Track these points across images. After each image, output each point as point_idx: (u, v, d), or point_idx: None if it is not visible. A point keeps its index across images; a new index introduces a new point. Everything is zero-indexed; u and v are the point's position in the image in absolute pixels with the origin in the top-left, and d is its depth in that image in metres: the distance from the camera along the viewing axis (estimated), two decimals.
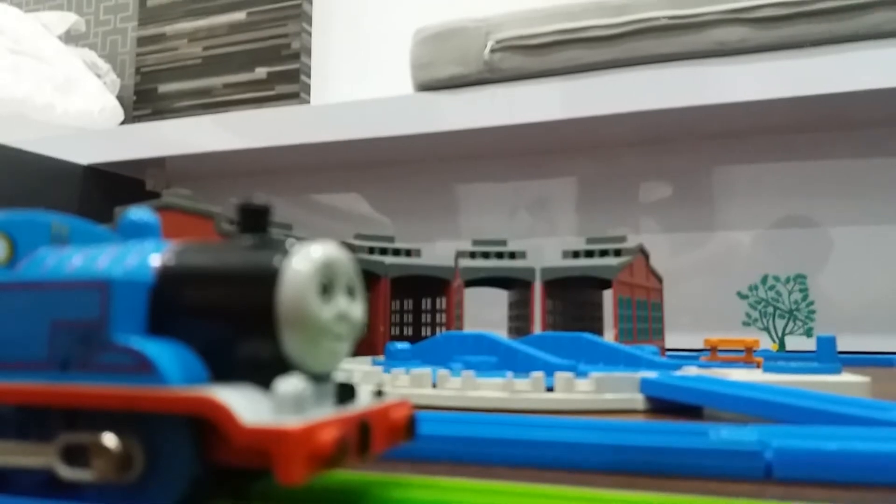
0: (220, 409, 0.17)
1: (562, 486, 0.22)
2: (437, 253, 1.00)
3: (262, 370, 0.18)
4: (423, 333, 0.93)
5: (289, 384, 0.17)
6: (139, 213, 0.23)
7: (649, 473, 0.27)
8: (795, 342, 0.87)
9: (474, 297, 0.84)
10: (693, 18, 0.98)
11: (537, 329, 0.79)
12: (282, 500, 0.20)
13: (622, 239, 0.80)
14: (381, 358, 0.65)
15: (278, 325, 0.18)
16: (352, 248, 0.84)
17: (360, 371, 0.51)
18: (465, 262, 0.84)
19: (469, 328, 0.78)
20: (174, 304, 0.20)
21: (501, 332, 0.68)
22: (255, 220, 0.20)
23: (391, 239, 0.88)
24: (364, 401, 0.21)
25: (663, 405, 0.45)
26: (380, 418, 0.20)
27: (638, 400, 0.45)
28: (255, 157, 1.31)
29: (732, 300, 0.92)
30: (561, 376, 0.45)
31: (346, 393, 0.20)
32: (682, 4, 0.99)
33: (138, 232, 0.22)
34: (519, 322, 0.89)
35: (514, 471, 0.28)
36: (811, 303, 0.87)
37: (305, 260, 0.19)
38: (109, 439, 0.18)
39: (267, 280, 0.19)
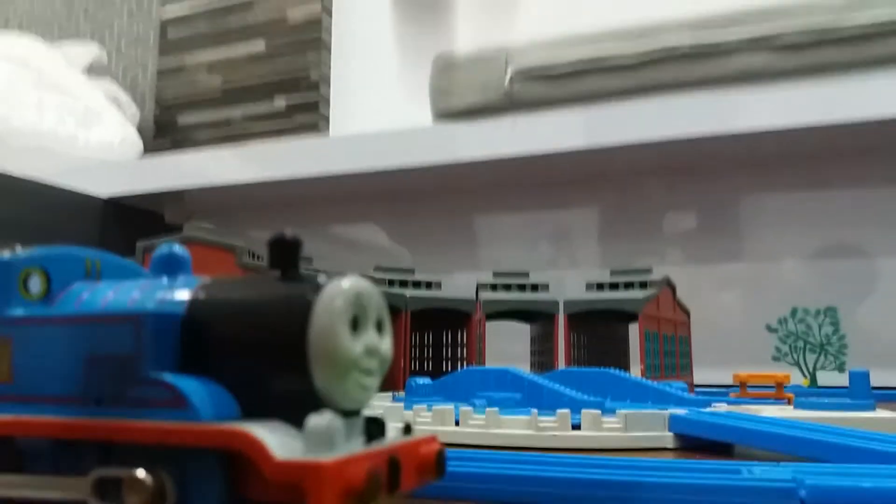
0: (254, 443, 0.17)
1: None
2: (456, 284, 0.99)
3: (293, 405, 0.18)
4: (444, 368, 0.92)
5: (320, 419, 0.17)
6: (171, 247, 0.23)
7: None
8: (827, 377, 0.85)
9: (496, 331, 0.83)
10: (716, 46, 0.97)
11: (561, 364, 0.78)
12: None
13: (647, 271, 0.79)
14: (402, 394, 0.64)
15: (309, 359, 0.18)
16: (371, 281, 0.83)
17: (380, 407, 0.50)
18: (487, 295, 0.83)
19: (490, 362, 0.77)
20: (205, 338, 0.20)
21: (524, 367, 0.67)
22: (285, 254, 0.20)
23: (411, 271, 0.88)
24: (393, 436, 0.21)
25: (693, 443, 0.44)
26: (409, 454, 0.19)
27: (667, 438, 0.44)
28: (274, 188, 1.31)
29: (761, 334, 0.90)
30: (588, 413, 0.44)
31: (375, 428, 0.20)
32: (703, 32, 0.98)
33: (170, 266, 0.22)
34: (542, 356, 0.88)
35: None
36: (843, 336, 0.85)
37: (336, 294, 0.19)
38: (143, 474, 0.18)
39: (298, 314, 0.19)
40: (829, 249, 1.12)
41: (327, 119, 1.61)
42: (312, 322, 0.18)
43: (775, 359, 0.87)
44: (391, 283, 0.85)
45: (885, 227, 1.09)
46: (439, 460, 0.20)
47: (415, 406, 0.49)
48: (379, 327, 0.20)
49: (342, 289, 0.19)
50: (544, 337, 0.87)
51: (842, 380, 0.71)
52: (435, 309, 0.86)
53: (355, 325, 0.19)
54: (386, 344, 0.20)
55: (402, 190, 1.34)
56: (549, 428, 0.44)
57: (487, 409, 0.46)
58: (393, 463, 0.18)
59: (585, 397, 0.53)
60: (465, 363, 0.90)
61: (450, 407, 0.48)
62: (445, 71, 1.14)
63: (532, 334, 0.93)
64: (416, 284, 0.87)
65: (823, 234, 1.12)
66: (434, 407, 0.48)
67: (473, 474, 0.29)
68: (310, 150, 1.26)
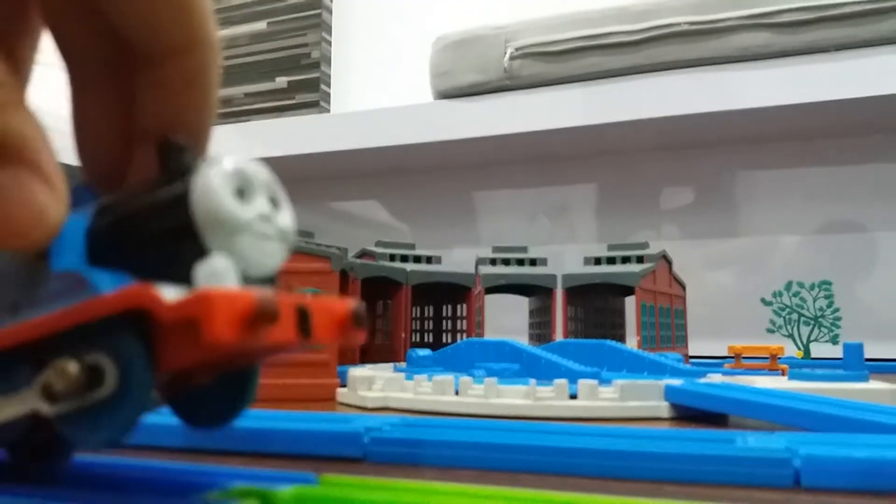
0: (147, 293, 0.17)
1: (586, 493, 0.21)
2: (456, 260, 1.00)
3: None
4: (444, 340, 0.93)
5: (206, 261, 0.17)
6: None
7: (675, 481, 0.27)
8: (821, 349, 0.86)
9: (495, 304, 0.84)
10: (714, 24, 0.97)
11: (559, 336, 0.78)
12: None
13: (644, 245, 0.80)
14: (403, 364, 0.65)
15: (200, 232, 0.18)
16: (373, 256, 0.84)
17: (382, 377, 0.51)
18: (486, 269, 0.84)
19: (489, 335, 0.78)
20: (109, 238, 0.20)
21: (522, 339, 0.68)
22: (167, 157, 0.20)
23: (412, 246, 0.88)
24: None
25: (688, 413, 0.44)
26: (321, 308, 0.19)
27: (662, 408, 0.45)
28: (276, 165, 1.27)
29: (756, 307, 0.91)
30: (584, 383, 0.45)
31: None
32: (703, 10, 0.98)
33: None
34: (540, 329, 0.89)
35: (539, 478, 0.27)
36: (837, 309, 0.86)
37: (213, 166, 0.19)
38: (66, 362, 0.18)
39: (180, 189, 0.18)
40: (824, 224, 1.12)
41: (328, 98, 1.61)
42: (193, 190, 0.18)
43: (770, 331, 0.88)
44: (392, 257, 0.85)
45: (879, 202, 1.09)
46: (356, 316, 0.19)
47: (416, 376, 0.49)
48: (274, 203, 0.20)
49: (219, 162, 0.19)
50: (542, 310, 0.88)
51: (835, 352, 0.72)
52: (435, 283, 0.86)
53: (241, 194, 0.19)
54: (284, 217, 0.20)
55: (403, 167, 1.34)
56: (547, 398, 0.45)
57: (486, 379, 0.46)
58: (302, 311, 0.18)
59: (582, 368, 0.53)
60: (464, 335, 0.91)
61: (450, 377, 0.48)
62: (446, 50, 1.14)
63: (530, 307, 0.94)
64: (417, 259, 0.87)
65: (818, 210, 1.13)
66: (434, 377, 0.48)
67: (472, 443, 0.29)
68: (311, 127, 1.26)
